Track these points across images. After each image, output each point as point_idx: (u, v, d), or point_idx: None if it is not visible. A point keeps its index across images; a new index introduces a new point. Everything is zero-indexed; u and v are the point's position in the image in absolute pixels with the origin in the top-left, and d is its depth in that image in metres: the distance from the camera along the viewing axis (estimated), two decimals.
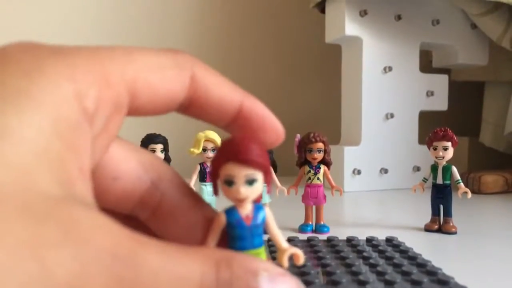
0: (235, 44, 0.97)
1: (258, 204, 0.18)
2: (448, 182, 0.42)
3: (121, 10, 0.91)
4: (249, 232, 0.17)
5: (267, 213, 0.18)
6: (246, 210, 0.17)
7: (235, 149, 0.16)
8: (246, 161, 0.16)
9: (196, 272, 0.15)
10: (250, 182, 0.16)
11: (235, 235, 0.17)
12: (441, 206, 0.42)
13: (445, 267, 0.28)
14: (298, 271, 0.27)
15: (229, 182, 0.16)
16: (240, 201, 0.17)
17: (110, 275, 0.13)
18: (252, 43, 0.98)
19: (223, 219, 0.17)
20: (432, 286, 0.24)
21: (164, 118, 0.86)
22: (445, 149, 0.41)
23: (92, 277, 0.13)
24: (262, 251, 0.18)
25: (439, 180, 0.42)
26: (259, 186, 0.17)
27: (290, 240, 0.35)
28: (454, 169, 0.42)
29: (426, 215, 0.45)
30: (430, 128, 0.54)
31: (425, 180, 0.44)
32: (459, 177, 0.42)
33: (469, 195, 0.41)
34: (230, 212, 0.17)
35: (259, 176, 0.17)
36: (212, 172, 0.17)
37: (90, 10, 0.90)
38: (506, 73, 0.80)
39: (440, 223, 0.42)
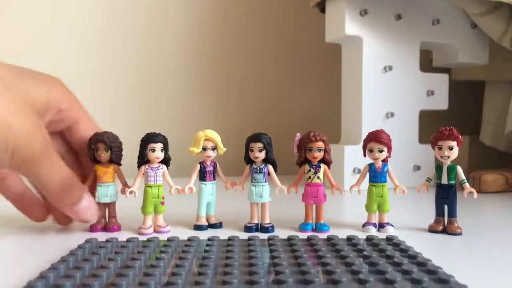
0: (235, 43, 0.97)
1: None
2: (453, 182, 0.41)
3: (121, 9, 0.91)
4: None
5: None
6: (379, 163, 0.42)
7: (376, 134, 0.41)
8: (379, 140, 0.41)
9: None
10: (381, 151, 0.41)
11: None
12: (446, 207, 0.42)
13: (447, 267, 0.28)
14: (298, 270, 0.27)
15: (370, 150, 0.42)
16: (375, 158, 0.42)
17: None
18: (252, 43, 0.98)
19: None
20: (432, 285, 0.24)
21: (164, 118, 0.86)
22: (451, 148, 0.40)
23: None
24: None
25: (444, 180, 0.42)
26: (385, 153, 0.42)
27: (290, 239, 0.35)
28: (459, 169, 0.42)
29: (427, 215, 0.45)
30: (431, 127, 0.54)
31: (429, 180, 0.43)
32: (464, 177, 0.42)
33: (475, 195, 0.41)
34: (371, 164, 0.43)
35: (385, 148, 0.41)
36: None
37: (90, 9, 0.90)
38: (506, 72, 0.79)
39: (444, 224, 0.42)
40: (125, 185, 0.42)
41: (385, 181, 0.43)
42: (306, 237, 0.36)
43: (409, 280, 0.25)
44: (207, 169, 0.43)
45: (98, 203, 0.41)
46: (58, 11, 0.88)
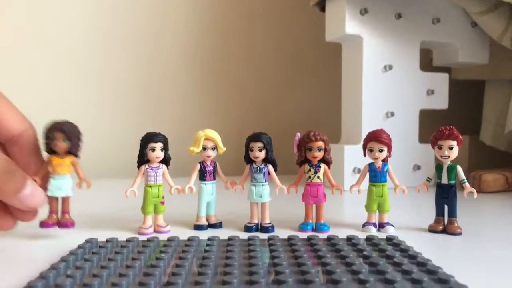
0: (235, 43, 0.97)
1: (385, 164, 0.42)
2: (453, 182, 0.41)
3: (121, 10, 0.91)
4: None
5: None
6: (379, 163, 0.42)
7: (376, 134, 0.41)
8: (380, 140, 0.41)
9: None
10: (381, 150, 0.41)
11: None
12: (446, 207, 0.42)
13: (447, 267, 0.28)
14: (298, 270, 0.27)
15: (370, 150, 0.42)
16: (375, 158, 0.42)
17: None
18: (252, 42, 0.98)
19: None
20: (432, 285, 0.24)
21: (164, 118, 0.86)
22: (451, 148, 0.40)
23: None
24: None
25: (444, 180, 0.42)
26: (385, 153, 0.42)
27: (290, 239, 0.35)
28: (459, 168, 0.42)
29: (427, 215, 0.44)
30: (431, 126, 0.54)
31: (429, 179, 0.43)
32: (464, 177, 0.42)
33: (475, 195, 0.41)
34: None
35: (385, 148, 0.42)
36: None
37: (90, 9, 0.90)
38: (506, 71, 0.79)
39: (444, 223, 0.42)
40: (83, 179, 0.39)
41: (385, 181, 0.43)
42: (306, 237, 0.36)
43: (409, 280, 0.25)
44: (207, 169, 0.43)
45: (50, 197, 0.38)
46: (58, 11, 0.88)
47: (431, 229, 0.42)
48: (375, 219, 0.43)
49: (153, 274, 0.25)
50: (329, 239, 0.35)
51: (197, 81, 0.95)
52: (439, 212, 0.42)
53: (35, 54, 0.85)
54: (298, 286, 0.24)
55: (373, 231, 0.42)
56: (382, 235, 0.38)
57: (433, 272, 0.27)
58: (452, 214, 0.41)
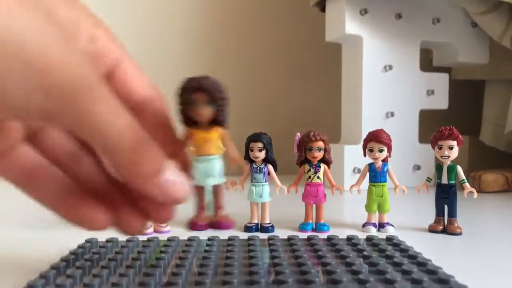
0: (235, 43, 0.97)
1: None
2: (453, 182, 0.42)
3: (120, 9, 0.91)
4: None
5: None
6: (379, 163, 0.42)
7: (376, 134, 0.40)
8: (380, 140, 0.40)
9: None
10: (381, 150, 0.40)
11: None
12: (446, 207, 0.42)
13: (447, 267, 0.28)
14: (298, 270, 0.27)
15: (370, 150, 0.40)
16: (375, 158, 0.41)
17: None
18: (252, 42, 0.98)
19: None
20: (432, 285, 0.24)
21: None
22: (451, 148, 0.40)
23: None
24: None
25: (444, 180, 0.42)
26: (385, 153, 0.41)
27: (290, 239, 0.35)
28: (459, 168, 0.42)
29: (427, 215, 0.44)
30: (431, 127, 0.54)
31: (429, 179, 0.43)
32: (464, 177, 0.42)
33: (475, 195, 0.41)
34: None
35: (385, 148, 0.41)
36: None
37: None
38: (506, 71, 0.79)
39: (444, 223, 0.42)
40: (240, 160, 0.28)
41: (385, 181, 0.43)
42: (306, 237, 0.36)
43: (409, 280, 0.25)
44: None
45: (197, 188, 0.27)
46: None
47: (431, 229, 0.42)
48: (375, 219, 0.43)
49: (153, 274, 0.25)
50: (329, 239, 0.35)
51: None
52: (439, 212, 0.42)
53: None
54: (298, 286, 0.24)
55: (373, 231, 0.42)
56: (382, 235, 0.38)
57: (433, 272, 0.27)
58: (452, 214, 0.41)
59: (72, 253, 0.31)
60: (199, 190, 0.27)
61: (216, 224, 0.28)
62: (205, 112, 0.25)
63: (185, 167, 0.25)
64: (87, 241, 0.34)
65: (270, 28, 0.99)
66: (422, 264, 0.28)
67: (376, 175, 0.42)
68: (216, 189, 0.28)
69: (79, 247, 0.33)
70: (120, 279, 0.25)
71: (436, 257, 0.30)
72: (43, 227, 0.43)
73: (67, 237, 0.39)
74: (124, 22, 0.91)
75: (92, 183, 0.25)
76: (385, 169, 0.42)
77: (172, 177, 0.23)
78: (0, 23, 0.18)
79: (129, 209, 0.25)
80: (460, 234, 0.41)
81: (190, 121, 0.25)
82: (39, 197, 0.24)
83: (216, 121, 0.25)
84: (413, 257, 0.30)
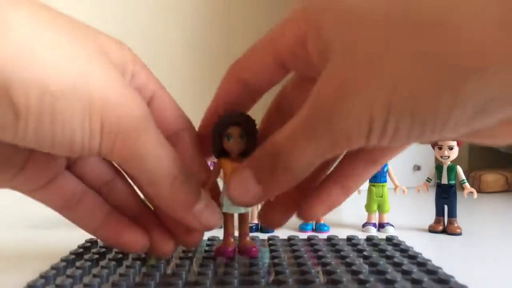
0: (235, 43, 0.97)
1: None
2: (453, 182, 0.42)
3: (122, 9, 0.91)
4: None
5: None
6: None
7: None
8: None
9: None
10: None
11: None
12: (445, 207, 0.42)
13: (447, 267, 0.28)
14: (298, 270, 0.27)
15: None
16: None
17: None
18: (253, 41, 0.98)
19: None
20: (432, 285, 0.24)
21: None
22: (451, 148, 0.40)
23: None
24: None
25: (444, 180, 0.42)
26: None
27: (290, 239, 0.35)
28: (459, 169, 0.42)
29: (427, 215, 0.44)
30: None
31: (429, 180, 0.43)
32: (464, 177, 0.42)
33: (475, 195, 0.41)
34: None
35: None
36: None
37: (90, 9, 0.90)
38: None
39: (444, 224, 0.42)
40: None
41: (385, 181, 0.43)
42: (306, 237, 0.36)
43: (409, 280, 0.25)
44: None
45: (225, 215, 0.28)
46: (59, 9, 0.88)
47: (431, 229, 0.42)
48: (375, 219, 0.43)
49: (153, 274, 0.25)
50: (329, 239, 0.35)
51: (198, 81, 0.95)
52: (439, 212, 0.42)
53: None
54: (298, 286, 0.24)
55: (373, 231, 0.42)
56: (382, 235, 0.38)
57: (433, 272, 0.27)
58: (452, 214, 0.41)
59: (72, 253, 0.31)
60: (227, 218, 0.28)
61: (242, 251, 0.29)
62: (239, 144, 0.27)
63: (214, 195, 0.26)
64: (87, 241, 0.34)
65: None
66: (422, 264, 0.28)
67: (376, 175, 0.42)
68: (242, 216, 0.29)
69: (79, 247, 0.33)
70: (120, 279, 0.25)
71: (436, 257, 0.30)
72: (43, 227, 0.43)
73: (67, 237, 0.39)
74: (126, 24, 0.91)
75: (126, 207, 0.27)
76: (385, 169, 0.42)
77: (205, 206, 0.24)
78: (67, 68, 0.19)
79: (160, 232, 0.27)
80: (460, 234, 0.41)
81: (221, 152, 0.27)
82: (84, 223, 0.26)
83: (246, 153, 0.27)
84: (413, 257, 0.30)
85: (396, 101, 0.17)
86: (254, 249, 0.28)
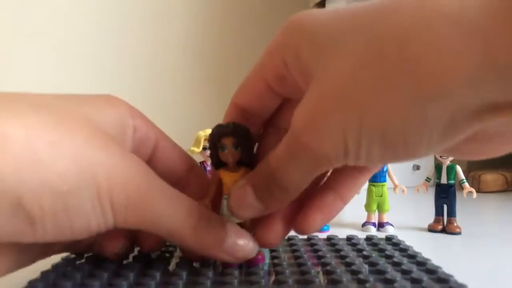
0: (237, 43, 0.97)
1: None
2: (452, 182, 0.42)
3: (123, 10, 0.91)
4: None
5: None
6: None
7: None
8: None
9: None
10: None
11: None
12: (445, 206, 0.42)
13: (447, 266, 0.28)
14: (298, 270, 0.27)
15: None
16: None
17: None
18: (252, 42, 0.98)
19: None
20: (432, 284, 0.24)
21: (165, 117, 0.85)
22: None
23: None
24: None
25: (443, 180, 0.42)
26: None
27: (290, 239, 0.35)
28: (459, 168, 0.42)
29: (427, 215, 0.45)
30: None
31: (428, 179, 0.44)
32: (463, 177, 0.42)
33: (474, 194, 0.41)
34: None
35: None
36: None
37: (90, 9, 0.90)
38: None
39: (444, 223, 0.42)
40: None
41: (385, 181, 0.43)
42: (306, 237, 0.36)
43: (408, 279, 0.25)
44: (207, 169, 0.43)
45: None
46: (59, 11, 0.88)
47: (431, 229, 0.42)
48: (375, 218, 0.43)
49: (153, 275, 0.25)
50: (329, 239, 0.35)
51: (199, 82, 0.95)
52: (439, 212, 0.42)
53: (35, 55, 0.85)
54: (298, 286, 0.25)
55: (372, 230, 0.42)
56: (381, 234, 0.38)
57: (432, 271, 0.27)
58: (452, 213, 0.42)
59: (73, 253, 0.31)
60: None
61: (248, 260, 0.28)
62: (234, 153, 0.27)
63: (214, 206, 0.27)
64: None
65: (271, 29, 0.99)
66: (422, 263, 0.28)
67: (375, 174, 0.42)
68: (242, 224, 0.28)
69: None
70: (120, 279, 0.25)
71: (435, 257, 0.30)
72: None
73: None
74: (127, 24, 0.91)
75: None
76: (385, 169, 0.43)
77: (236, 238, 0.25)
78: (70, 164, 0.20)
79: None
80: (459, 233, 0.41)
81: (219, 163, 0.28)
82: None
83: (242, 162, 0.27)
84: (413, 257, 0.30)
85: (366, 125, 0.17)
86: (260, 256, 0.28)
